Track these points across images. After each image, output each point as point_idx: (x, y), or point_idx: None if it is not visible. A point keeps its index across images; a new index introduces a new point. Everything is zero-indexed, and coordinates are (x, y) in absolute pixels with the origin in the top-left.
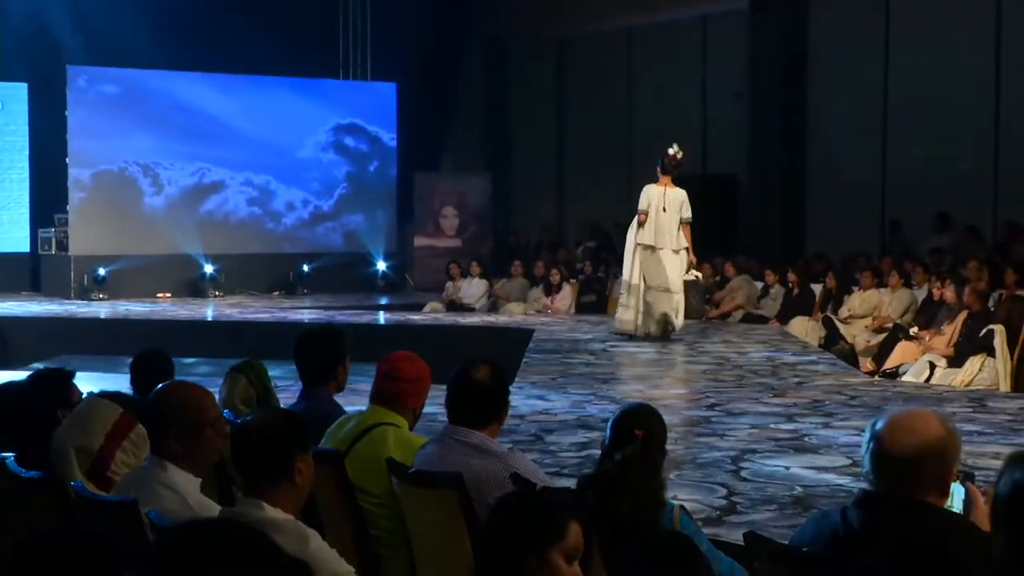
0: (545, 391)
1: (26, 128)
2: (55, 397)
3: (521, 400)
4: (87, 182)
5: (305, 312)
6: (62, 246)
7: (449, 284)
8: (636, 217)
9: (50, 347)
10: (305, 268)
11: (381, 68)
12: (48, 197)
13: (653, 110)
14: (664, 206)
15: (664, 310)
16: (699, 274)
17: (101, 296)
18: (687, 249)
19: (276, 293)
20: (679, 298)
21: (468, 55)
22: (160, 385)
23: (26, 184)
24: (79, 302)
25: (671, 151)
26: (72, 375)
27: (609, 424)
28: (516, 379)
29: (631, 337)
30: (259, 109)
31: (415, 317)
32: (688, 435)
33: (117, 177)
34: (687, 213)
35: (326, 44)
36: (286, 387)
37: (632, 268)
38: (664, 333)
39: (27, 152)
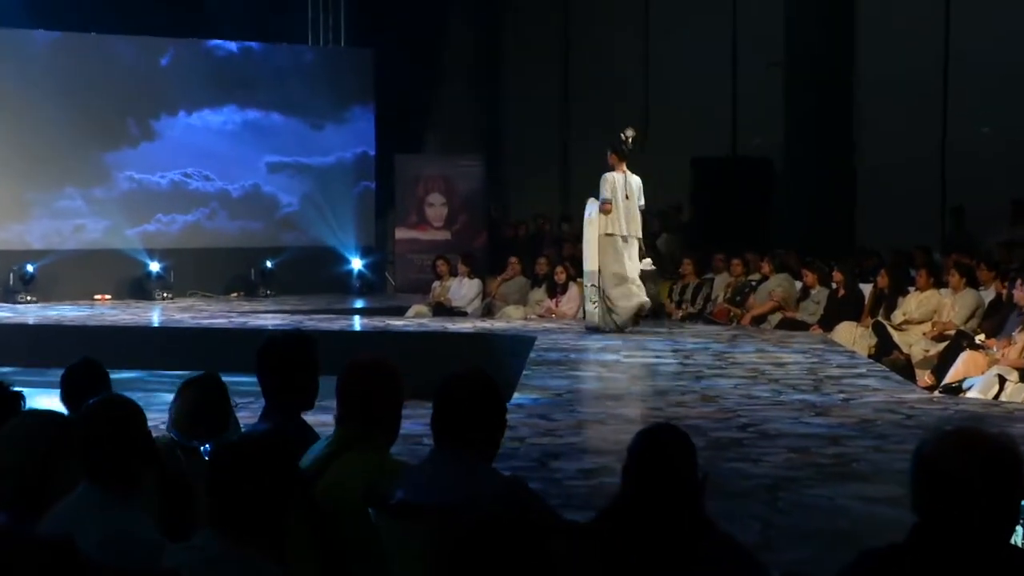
0: (549, 409)
1: None
2: None
3: (520, 419)
4: (11, 162)
5: (268, 317)
6: None
7: (436, 284)
8: (598, 206)
9: None
10: (268, 265)
11: (356, 32)
12: None
13: (673, 81)
14: (627, 193)
15: (640, 302)
16: (653, 265)
17: (29, 298)
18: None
19: (234, 295)
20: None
21: (456, 15)
22: (90, 402)
23: None
24: (3, 305)
25: (627, 134)
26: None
27: (628, 448)
28: (514, 395)
29: (598, 330)
30: (214, 78)
31: (396, 323)
32: (716, 460)
33: (47, 156)
34: (642, 200)
35: (293, 4)
36: (245, 404)
37: (593, 258)
38: (636, 322)
39: None
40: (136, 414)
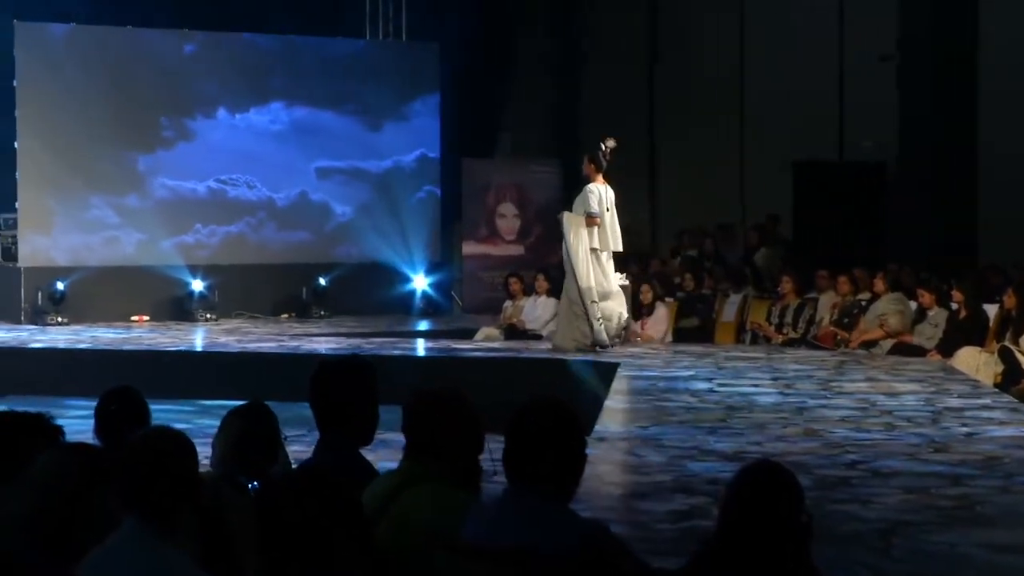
0: (633, 443)
1: None
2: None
3: (602, 454)
4: (42, 171)
5: (322, 341)
6: (9, 254)
7: (508, 304)
8: (584, 220)
9: None
10: (321, 283)
11: (419, 24)
12: None
13: (771, 76)
14: (608, 206)
15: (619, 312)
16: (627, 280)
17: (60, 319)
18: None
19: (285, 316)
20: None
21: (530, 5)
22: (131, 436)
23: None
24: (31, 327)
25: (606, 144)
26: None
27: (724, 488)
28: (595, 427)
29: (588, 348)
30: (259, 74)
31: (464, 347)
32: (822, 501)
33: (80, 165)
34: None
35: None
36: (297, 437)
37: (588, 275)
38: (613, 337)
39: None
40: (185, 447)
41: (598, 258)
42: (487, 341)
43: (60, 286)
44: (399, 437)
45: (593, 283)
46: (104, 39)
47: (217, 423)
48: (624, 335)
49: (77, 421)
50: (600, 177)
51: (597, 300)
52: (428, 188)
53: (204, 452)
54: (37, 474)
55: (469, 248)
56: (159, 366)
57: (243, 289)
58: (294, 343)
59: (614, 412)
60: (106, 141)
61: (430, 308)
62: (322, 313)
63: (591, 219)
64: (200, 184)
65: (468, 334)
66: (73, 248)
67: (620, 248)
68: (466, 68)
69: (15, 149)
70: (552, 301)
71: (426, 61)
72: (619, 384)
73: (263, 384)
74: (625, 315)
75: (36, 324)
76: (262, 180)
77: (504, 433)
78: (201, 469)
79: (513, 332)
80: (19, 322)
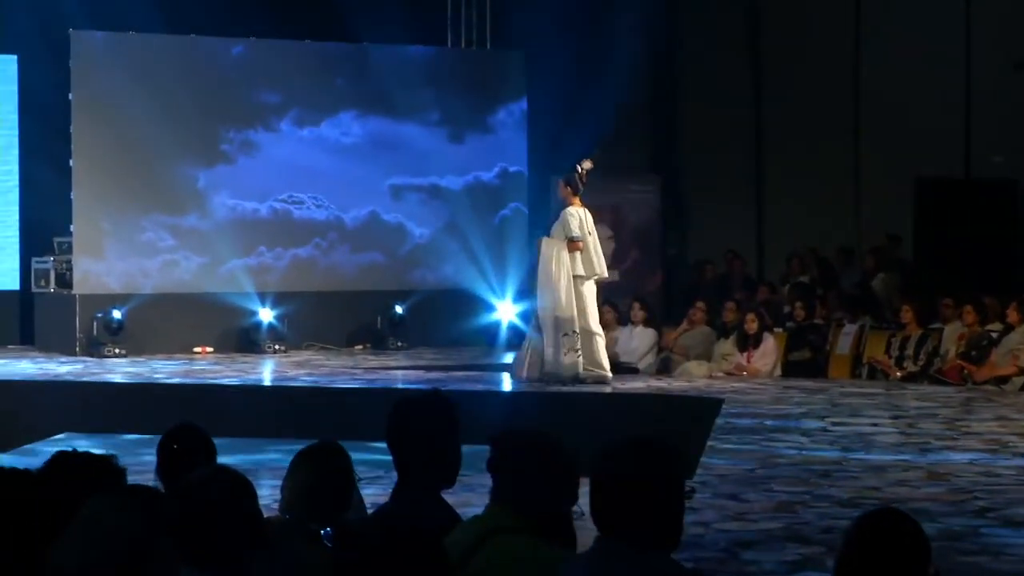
0: (739, 487)
1: (14, 118)
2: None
3: (704, 500)
4: (96, 190)
5: (400, 375)
6: (64, 281)
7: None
8: (566, 244)
9: (46, 422)
10: (398, 311)
11: (505, 32)
12: (45, 213)
13: (890, 88)
14: (589, 229)
15: (601, 346)
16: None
17: (117, 351)
18: None
19: (359, 347)
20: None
21: (624, 12)
22: (190, 476)
23: (15, 195)
24: (87, 360)
25: (583, 166)
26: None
27: (842, 537)
28: (697, 470)
29: (572, 381)
30: (328, 84)
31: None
32: (949, 552)
33: (135, 183)
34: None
35: (431, 1)
36: (374, 479)
37: (569, 301)
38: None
39: (16, 151)
40: (244, 489)
41: (580, 287)
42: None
43: (117, 315)
44: (483, 480)
45: (574, 313)
46: (163, 48)
47: (286, 463)
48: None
49: (136, 460)
50: (577, 200)
51: (576, 331)
52: (515, 205)
53: (272, 495)
54: (90, 523)
55: None
56: (224, 402)
57: (313, 317)
58: (369, 377)
59: (718, 453)
60: (163, 156)
61: (516, 339)
62: (399, 344)
63: (573, 244)
64: (263, 203)
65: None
66: (128, 273)
67: (606, 274)
68: (555, 80)
69: (70, 168)
70: (650, 332)
71: (511, 70)
72: (723, 422)
73: (336, 422)
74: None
75: (92, 356)
76: (330, 198)
77: (590, 477)
78: (268, 514)
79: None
80: (74, 353)
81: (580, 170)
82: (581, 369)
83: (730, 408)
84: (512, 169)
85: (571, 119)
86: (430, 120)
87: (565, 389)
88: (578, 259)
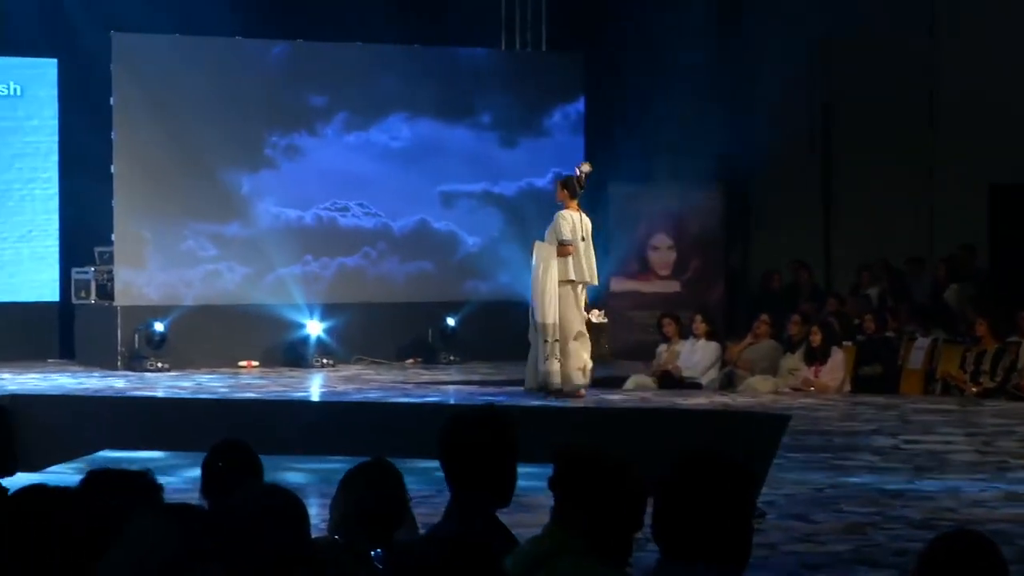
0: (807, 507)
1: (55, 123)
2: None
3: (771, 521)
4: (137, 197)
5: (452, 390)
6: (105, 292)
7: (662, 348)
8: (556, 249)
9: (85, 439)
10: (450, 324)
11: (562, 32)
12: (85, 222)
13: (965, 89)
14: (583, 234)
15: (585, 359)
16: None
17: (160, 365)
18: None
19: (410, 361)
20: None
21: (688, 11)
22: (238, 495)
23: (55, 203)
24: (128, 374)
25: (582, 169)
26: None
27: (916, 561)
28: (763, 489)
29: (558, 393)
30: (376, 87)
31: (613, 397)
32: None
33: (177, 189)
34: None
35: (480, 1)
36: (426, 499)
37: (552, 307)
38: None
39: (56, 157)
40: (293, 509)
41: (573, 291)
42: (639, 390)
43: (159, 327)
44: (538, 500)
45: (558, 320)
46: (206, 50)
47: (336, 482)
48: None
49: (181, 479)
50: (574, 204)
51: (558, 338)
52: None
53: (321, 515)
54: (131, 542)
55: (617, 284)
56: (271, 418)
57: (362, 330)
58: (421, 392)
59: (785, 472)
60: (206, 162)
61: None
62: (451, 358)
63: (564, 248)
64: (308, 210)
65: (617, 382)
66: (169, 284)
67: (596, 281)
68: (614, 83)
69: (111, 175)
70: (713, 345)
71: (568, 73)
72: (790, 440)
73: (387, 439)
74: (590, 363)
75: (133, 370)
76: (379, 205)
77: (654, 494)
78: (317, 534)
79: (668, 380)
80: (115, 368)
81: (579, 172)
82: (559, 379)
83: (797, 425)
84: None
85: (631, 124)
86: (482, 124)
87: (629, 404)
88: (569, 263)
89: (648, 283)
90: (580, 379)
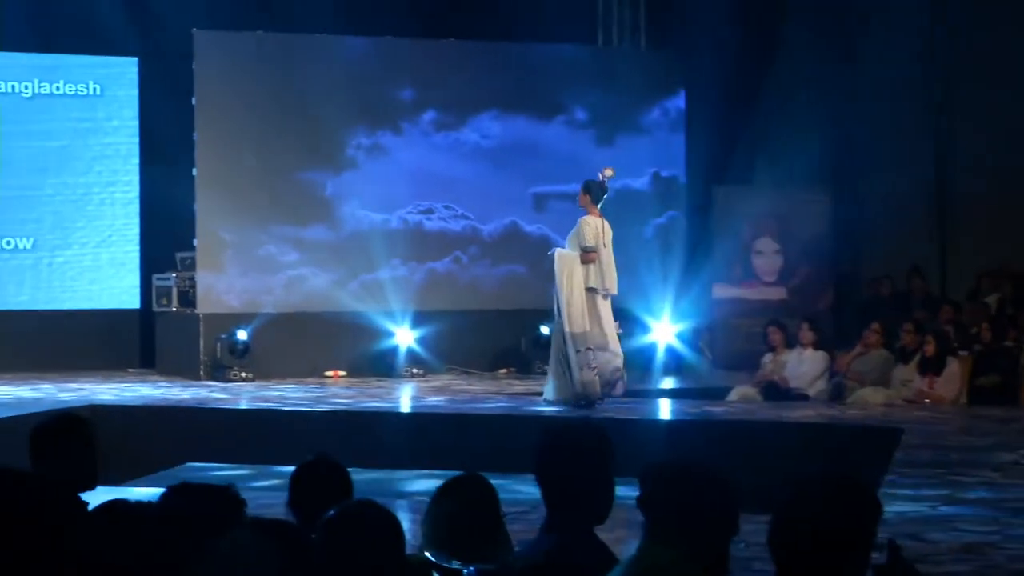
0: (922, 526)
1: (135, 124)
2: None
3: (882, 539)
4: (222, 202)
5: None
6: (186, 299)
7: (767, 358)
8: (579, 256)
9: (167, 452)
10: (544, 332)
11: (660, 29)
12: (166, 226)
13: None
14: (604, 242)
15: (616, 365)
16: (621, 329)
17: (243, 374)
18: None
19: (503, 371)
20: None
21: (800, 12)
22: (332, 512)
23: (135, 207)
24: (211, 384)
25: (604, 174)
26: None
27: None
28: None
29: (593, 403)
30: (465, 84)
31: (716, 409)
32: None
33: (259, 191)
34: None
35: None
36: (520, 515)
37: (582, 316)
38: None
39: (136, 160)
40: (388, 525)
41: (595, 299)
42: (743, 402)
43: (242, 336)
44: (637, 515)
45: (587, 328)
46: (290, 47)
47: (427, 497)
48: (617, 388)
49: (265, 493)
50: (596, 210)
51: (592, 348)
52: (672, 214)
53: (412, 531)
54: (227, 559)
55: (720, 291)
56: (360, 430)
57: (452, 338)
58: (514, 404)
59: (897, 488)
60: (288, 163)
61: (674, 363)
62: (546, 368)
63: (587, 255)
64: (393, 213)
65: (720, 394)
66: (249, 290)
67: (615, 291)
68: (716, 81)
69: (193, 177)
70: (821, 355)
71: (668, 70)
72: (903, 455)
73: (479, 452)
74: (622, 368)
75: (216, 380)
76: (467, 207)
77: (772, 515)
78: (409, 551)
79: (774, 391)
80: (198, 378)
81: (601, 177)
82: (599, 388)
83: (911, 439)
84: (664, 174)
85: (734, 122)
86: (577, 122)
87: (733, 417)
88: (591, 271)
89: (752, 290)
90: (602, 383)
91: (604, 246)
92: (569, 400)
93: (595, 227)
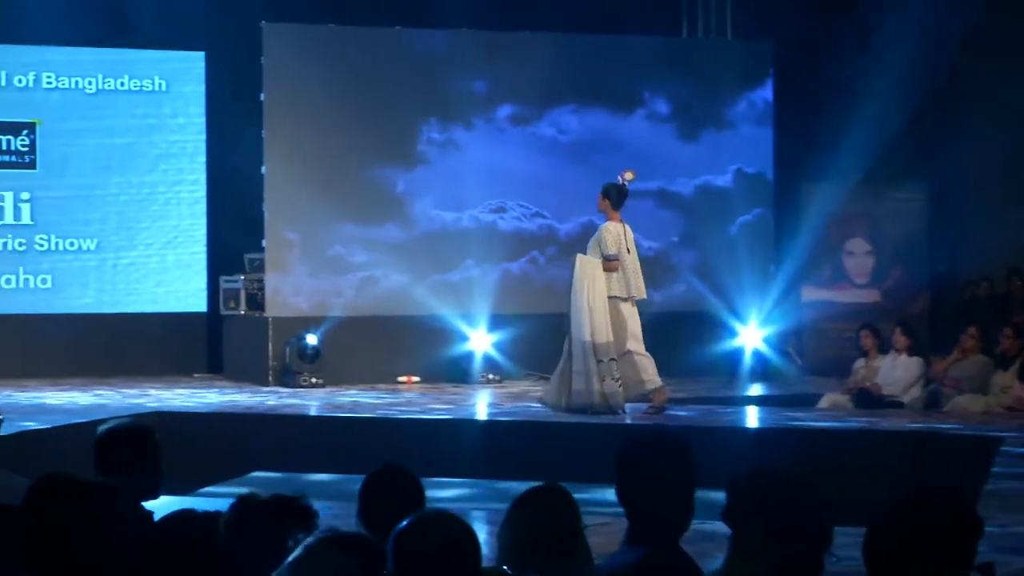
0: None
1: (202, 121)
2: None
3: (983, 555)
4: (291, 202)
5: (627, 407)
6: (255, 302)
7: (859, 363)
8: (601, 263)
9: (233, 461)
10: None
11: (748, 20)
12: (234, 226)
13: None
14: (628, 247)
15: (645, 377)
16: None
17: (313, 380)
18: None
19: None
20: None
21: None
22: (405, 522)
23: (202, 206)
24: (280, 390)
25: (625, 178)
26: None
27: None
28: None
29: (609, 410)
30: (541, 77)
31: (804, 416)
32: None
33: (328, 189)
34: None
35: None
36: (600, 527)
37: (604, 326)
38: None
39: (203, 158)
40: (465, 538)
41: (619, 307)
42: (833, 409)
43: (311, 340)
44: (718, 527)
45: (610, 337)
46: (361, 40)
47: (502, 508)
48: (655, 404)
49: (336, 504)
50: (617, 215)
51: (615, 358)
52: (758, 211)
53: (488, 543)
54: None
55: (809, 293)
56: (433, 439)
57: (530, 342)
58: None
59: (998, 502)
60: (358, 160)
61: (761, 368)
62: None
63: (609, 263)
64: (465, 212)
65: (809, 401)
66: (319, 292)
67: (644, 295)
68: (805, 74)
69: (262, 175)
70: (915, 361)
71: (755, 63)
72: (1003, 465)
73: (558, 461)
74: (657, 381)
75: (285, 386)
76: (543, 205)
77: (867, 528)
78: (485, 564)
79: (866, 398)
80: (266, 383)
81: (621, 181)
82: (622, 399)
83: (1011, 448)
84: (748, 170)
85: (823, 117)
86: (658, 115)
87: (823, 424)
88: (614, 279)
89: (843, 292)
90: (647, 378)
91: (628, 251)
92: (587, 409)
93: (616, 233)
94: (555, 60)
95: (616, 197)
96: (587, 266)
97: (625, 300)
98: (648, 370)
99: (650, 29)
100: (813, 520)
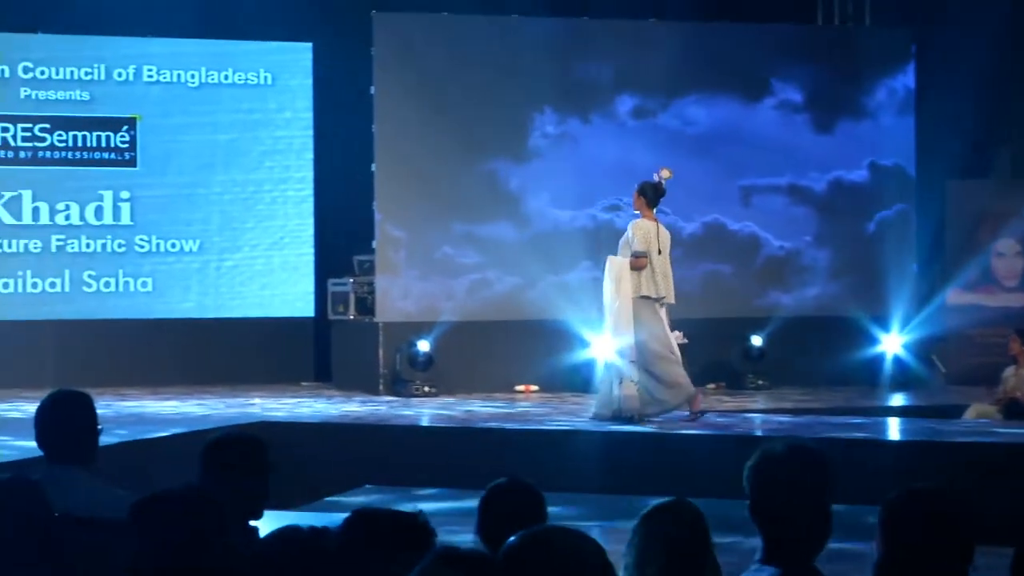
0: None
1: (309, 116)
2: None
3: None
4: (403, 200)
5: (759, 419)
6: (364, 307)
7: (1008, 371)
8: (629, 262)
9: (343, 474)
10: (755, 343)
11: (888, 7)
12: (343, 227)
13: None
14: (659, 247)
15: (689, 393)
16: (686, 339)
17: (426, 389)
18: None
19: (711, 386)
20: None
21: None
22: (520, 535)
23: (309, 205)
24: (392, 399)
25: (661, 175)
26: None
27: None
28: None
29: (632, 419)
30: (663, 66)
31: (950, 428)
32: None
33: (437, 186)
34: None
35: None
36: (732, 545)
37: (626, 327)
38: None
39: (310, 154)
40: (593, 557)
41: (650, 308)
42: (980, 419)
43: (423, 346)
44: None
45: (631, 340)
46: (477, 31)
47: (626, 524)
48: (693, 411)
49: (453, 519)
50: (651, 213)
51: (635, 360)
52: (899, 207)
53: (614, 561)
54: None
55: (955, 297)
56: (554, 451)
57: None
58: (724, 422)
59: None
60: (471, 155)
61: (903, 376)
62: (759, 383)
63: (637, 260)
64: (582, 209)
65: (955, 412)
66: (428, 295)
67: (673, 300)
68: (951, 63)
69: (372, 173)
70: None
71: (896, 48)
72: None
73: (683, 475)
74: (688, 393)
75: (397, 395)
76: (665, 202)
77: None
78: None
79: (1015, 408)
80: (377, 392)
81: (657, 179)
82: (639, 403)
83: None
84: (887, 163)
85: (971, 109)
86: (790, 105)
87: (971, 439)
88: (643, 278)
89: (992, 296)
90: (674, 399)
91: (659, 252)
92: (606, 416)
93: (647, 231)
94: (679, 49)
95: (652, 195)
96: (615, 266)
97: (653, 301)
98: (672, 385)
99: (782, 18)
100: (960, 540)
